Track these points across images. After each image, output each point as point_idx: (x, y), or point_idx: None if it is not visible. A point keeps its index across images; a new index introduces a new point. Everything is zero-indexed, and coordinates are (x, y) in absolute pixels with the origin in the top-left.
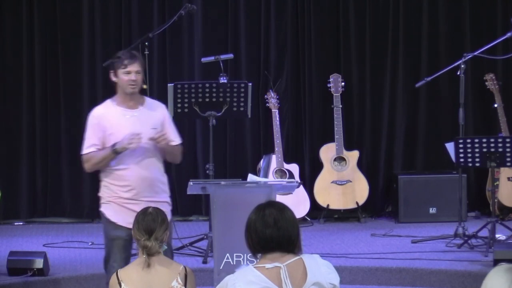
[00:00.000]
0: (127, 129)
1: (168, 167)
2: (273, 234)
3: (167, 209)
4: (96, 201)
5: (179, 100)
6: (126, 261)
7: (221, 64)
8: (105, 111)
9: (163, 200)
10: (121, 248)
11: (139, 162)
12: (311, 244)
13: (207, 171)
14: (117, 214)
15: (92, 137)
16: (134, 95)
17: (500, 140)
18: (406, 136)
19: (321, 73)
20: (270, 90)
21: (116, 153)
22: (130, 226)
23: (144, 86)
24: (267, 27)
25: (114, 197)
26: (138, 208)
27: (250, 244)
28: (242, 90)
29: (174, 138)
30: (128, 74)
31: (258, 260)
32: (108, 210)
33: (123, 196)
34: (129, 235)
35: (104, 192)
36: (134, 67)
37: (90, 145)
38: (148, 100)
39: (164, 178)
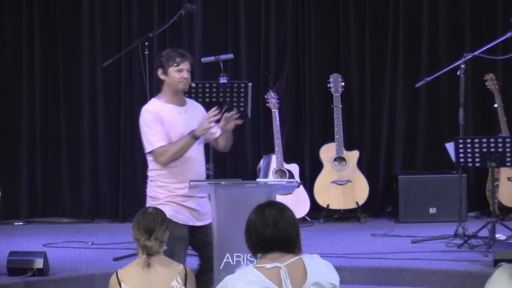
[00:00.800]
0: (181, 126)
1: None
2: (272, 234)
3: None
4: (96, 201)
5: None
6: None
7: (221, 64)
8: (158, 107)
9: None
10: (185, 246)
11: (194, 159)
12: (311, 244)
13: (207, 171)
14: (178, 213)
15: (159, 130)
16: (180, 94)
17: (500, 140)
18: (406, 136)
19: (321, 73)
20: (270, 90)
21: (195, 138)
22: (190, 223)
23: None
24: (267, 27)
25: (172, 197)
26: (195, 205)
27: (250, 244)
28: (242, 90)
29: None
30: (180, 72)
31: (258, 260)
32: (168, 210)
33: (180, 194)
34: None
35: (160, 193)
36: (186, 65)
37: (160, 139)
38: (188, 99)
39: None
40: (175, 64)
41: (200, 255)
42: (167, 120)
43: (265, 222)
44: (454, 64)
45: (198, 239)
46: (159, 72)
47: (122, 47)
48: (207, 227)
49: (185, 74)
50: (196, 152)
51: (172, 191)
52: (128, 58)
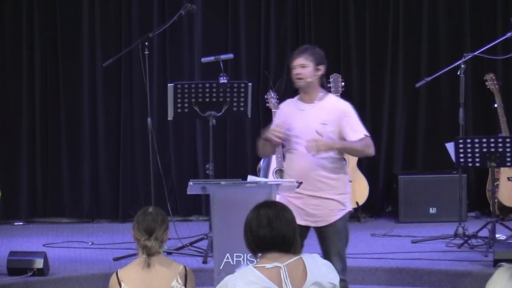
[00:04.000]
0: (297, 122)
1: (168, 167)
2: (266, 234)
3: (334, 207)
4: (96, 201)
5: (179, 100)
6: None
7: (221, 64)
8: (287, 103)
9: (328, 197)
10: None
11: (299, 155)
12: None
13: (207, 171)
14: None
15: (272, 124)
16: (309, 89)
17: (500, 140)
18: (406, 136)
19: None
20: (270, 90)
21: (268, 140)
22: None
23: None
24: (267, 27)
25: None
26: (301, 203)
27: (247, 244)
28: (242, 90)
29: (353, 136)
30: (293, 68)
31: (258, 260)
32: None
33: (293, 177)
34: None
35: None
36: (298, 61)
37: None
38: (331, 98)
39: (333, 175)
40: (291, 61)
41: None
42: (288, 116)
43: (259, 222)
44: (454, 64)
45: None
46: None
47: (122, 47)
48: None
49: (296, 70)
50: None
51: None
52: (128, 58)
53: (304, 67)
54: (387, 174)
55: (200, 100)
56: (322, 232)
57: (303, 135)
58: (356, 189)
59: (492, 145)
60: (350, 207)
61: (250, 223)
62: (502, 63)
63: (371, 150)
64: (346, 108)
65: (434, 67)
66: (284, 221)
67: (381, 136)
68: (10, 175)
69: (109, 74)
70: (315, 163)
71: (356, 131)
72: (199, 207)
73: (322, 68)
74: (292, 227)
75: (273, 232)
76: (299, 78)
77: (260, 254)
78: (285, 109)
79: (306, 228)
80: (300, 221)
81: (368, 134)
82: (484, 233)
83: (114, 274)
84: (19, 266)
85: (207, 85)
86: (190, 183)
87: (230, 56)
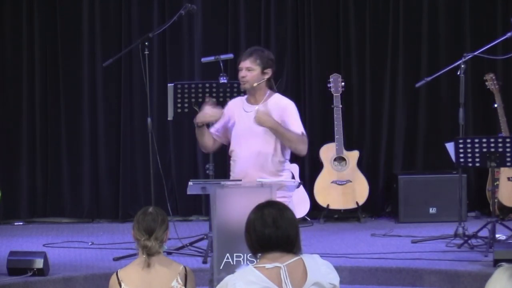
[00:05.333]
0: (243, 123)
1: (168, 167)
2: (271, 233)
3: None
4: (96, 201)
5: (179, 100)
6: None
7: (221, 64)
8: (234, 103)
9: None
10: None
11: (245, 157)
12: (311, 244)
13: (207, 171)
14: None
15: (219, 122)
16: (255, 92)
17: (500, 140)
18: (406, 136)
19: (321, 73)
20: None
21: (197, 125)
22: None
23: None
24: (267, 27)
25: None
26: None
27: (249, 244)
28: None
29: (294, 128)
30: (240, 70)
31: (258, 260)
32: None
33: (235, 178)
34: None
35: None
36: (245, 63)
37: (212, 128)
38: (275, 97)
39: (275, 178)
40: (239, 64)
41: None
42: (235, 115)
43: (264, 222)
44: (454, 64)
45: None
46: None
47: (122, 47)
48: None
49: (242, 73)
50: (249, 138)
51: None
52: (128, 58)
53: (250, 70)
54: (387, 174)
55: (200, 100)
56: None
57: (245, 137)
58: (356, 189)
59: (492, 145)
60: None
61: (253, 222)
62: (502, 63)
63: (303, 147)
64: (287, 105)
65: (434, 67)
66: (288, 221)
67: (381, 136)
68: (10, 175)
69: (109, 74)
70: (257, 165)
71: (295, 125)
72: (199, 207)
73: (269, 72)
74: (295, 226)
75: (278, 232)
76: (245, 81)
77: (260, 254)
78: (232, 108)
79: None
80: None
81: (305, 135)
82: (484, 233)
83: (114, 274)
84: (19, 266)
85: (207, 85)
86: (190, 183)
87: (230, 56)
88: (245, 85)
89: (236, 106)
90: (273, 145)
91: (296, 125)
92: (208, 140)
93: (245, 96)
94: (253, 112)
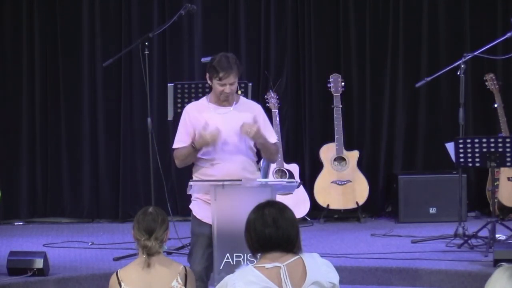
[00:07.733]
0: (219, 125)
1: (168, 167)
2: (272, 233)
3: None
4: (96, 201)
5: (179, 100)
6: (208, 258)
7: None
8: (197, 107)
9: None
10: (204, 245)
11: (227, 159)
12: (311, 244)
13: None
14: (201, 210)
15: (182, 132)
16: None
17: (500, 140)
18: (406, 136)
19: (321, 73)
20: (270, 90)
21: (195, 149)
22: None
23: (239, 92)
24: (267, 27)
25: (200, 194)
26: None
27: (249, 244)
28: (242, 90)
29: (269, 137)
30: (223, 86)
31: (258, 260)
32: (194, 206)
33: (208, 193)
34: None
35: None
36: (229, 79)
37: (178, 141)
38: (243, 100)
39: (253, 177)
40: (218, 78)
41: None
42: (204, 120)
43: (264, 222)
44: (454, 64)
45: None
46: (206, 75)
47: (122, 47)
48: None
49: (227, 89)
50: (232, 154)
51: None
52: (128, 58)
53: (233, 84)
54: (387, 174)
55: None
56: None
57: (225, 139)
58: (356, 189)
59: (492, 145)
60: None
61: (254, 222)
62: (502, 63)
63: (277, 157)
64: (261, 110)
65: (434, 67)
66: (289, 221)
67: (381, 136)
68: (10, 175)
69: (109, 74)
70: (240, 166)
71: (272, 134)
72: None
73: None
74: (295, 226)
75: (278, 232)
76: (228, 97)
77: (260, 254)
78: (195, 115)
79: None
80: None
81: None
82: (484, 233)
83: (114, 274)
84: (19, 266)
85: (207, 85)
86: (190, 183)
87: None
88: (228, 100)
89: (200, 111)
90: (250, 145)
91: (272, 134)
92: (193, 160)
93: (204, 99)
94: (229, 113)
